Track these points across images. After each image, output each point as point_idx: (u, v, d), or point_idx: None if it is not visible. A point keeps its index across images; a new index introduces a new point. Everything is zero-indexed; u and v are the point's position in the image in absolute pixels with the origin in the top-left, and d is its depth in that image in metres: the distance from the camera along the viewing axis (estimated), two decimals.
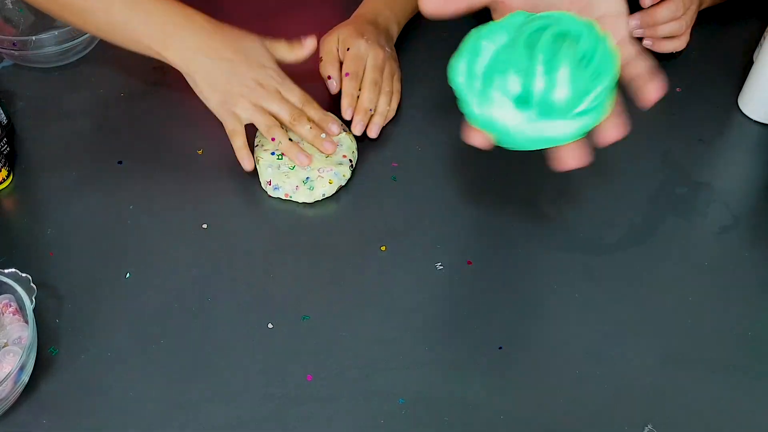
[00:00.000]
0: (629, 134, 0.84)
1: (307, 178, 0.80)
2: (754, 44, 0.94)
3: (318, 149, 0.82)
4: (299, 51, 0.84)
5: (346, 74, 0.86)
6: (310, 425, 0.65)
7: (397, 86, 0.88)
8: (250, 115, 0.81)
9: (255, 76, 0.80)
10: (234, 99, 0.80)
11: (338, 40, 0.88)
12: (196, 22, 0.80)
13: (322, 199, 0.81)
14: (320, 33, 0.92)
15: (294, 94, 0.82)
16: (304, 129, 0.81)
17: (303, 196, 0.80)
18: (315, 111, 0.83)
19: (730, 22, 0.99)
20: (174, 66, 0.80)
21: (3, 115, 0.85)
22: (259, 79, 0.80)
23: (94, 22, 0.80)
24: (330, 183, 0.80)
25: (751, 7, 1.01)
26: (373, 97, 0.85)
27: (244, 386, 0.68)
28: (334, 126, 0.83)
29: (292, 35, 0.84)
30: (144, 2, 0.79)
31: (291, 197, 0.80)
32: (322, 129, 0.82)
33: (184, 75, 0.80)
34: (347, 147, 0.83)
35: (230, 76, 0.80)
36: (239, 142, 0.81)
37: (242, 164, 0.81)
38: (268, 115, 0.81)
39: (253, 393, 0.67)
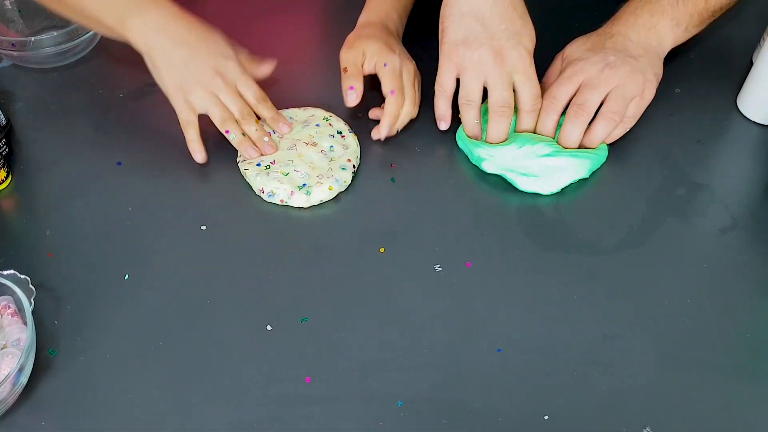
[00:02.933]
0: (628, 135, 0.84)
1: (304, 184, 0.80)
2: (754, 45, 0.94)
3: (260, 149, 0.83)
4: (256, 67, 0.85)
5: (392, 92, 0.83)
6: (309, 426, 0.65)
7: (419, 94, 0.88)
8: (205, 105, 0.81)
9: (215, 65, 0.80)
10: (190, 86, 0.80)
11: (364, 53, 0.85)
12: (161, 4, 0.80)
13: (321, 203, 0.81)
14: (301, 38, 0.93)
15: (250, 90, 0.82)
16: (251, 128, 0.82)
17: (299, 201, 0.80)
18: (268, 110, 0.84)
19: (729, 23, 0.98)
20: (134, 46, 0.80)
21: (2, 116, 0.85)
22: (219, 69, 0.80)
23: (67, 3, 0.81)
24: (330, 189, 0.80)
25: (750, 8, 1.01)
26: (413, 113, 0.85)
27: (243, 387, 0.68)
28: (284, 126, 0.84)
29: (280, 37, 0.84)
30: None
31: (286, 203, 0.80)
32: (274, 127, 0.84)
33: (143, 55, 0.80)
34: (353, 151, 0.84)
35: (189, 61, 0.79)
36: (192, 134, 0.82)
37: (194, 157, 0.82)
38: (223, 107, 0.81)
39: (252, 394, 0.67)
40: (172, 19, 0.80)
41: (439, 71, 0.81)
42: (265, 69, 0.85)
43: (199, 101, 0.80)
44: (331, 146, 0.84)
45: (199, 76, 0.79)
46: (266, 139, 0.83)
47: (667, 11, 0.83)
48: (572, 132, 0.81)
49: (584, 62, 0.81)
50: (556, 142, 0.82)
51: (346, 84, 0.84)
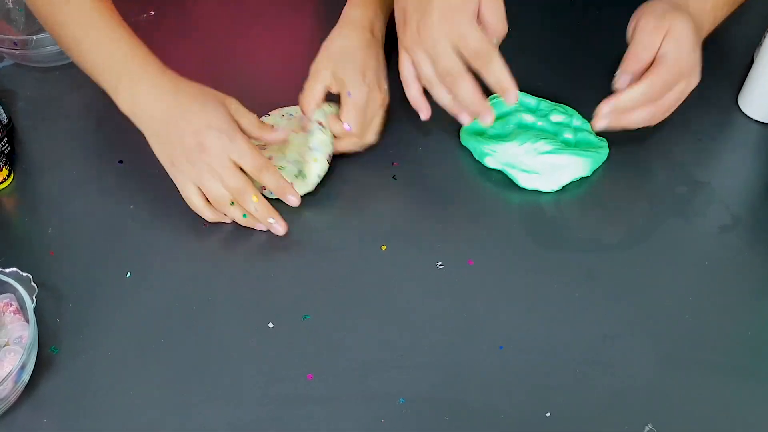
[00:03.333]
0: (629, 133, 0.84)
1: (299, 171, 0.80)
2: (755, 43, 0.94)
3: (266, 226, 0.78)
4: (267, 132, 0.79)
5: (347, 127, 0.82)
6: (311, 425, 0.65)
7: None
8: (199, 183, 0.76)
9: (200, 140, 0.74)
10: (180, 164, 0.76)
11: (334, 76, 0.82)
12: (151, 73, 0.77)
13: (323, 201, 0.81)
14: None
15: (246, 158, 0.75)
16: (249, 207, 0.77)
17: (301, 189, 0.80)
18: (271, 178, 0.77)
19: (730, 21, 0.98)
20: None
21: (3, 115, 0.85)
22: (206, 144, 0.74)
23: (71, 52, 0.81)
24: (315, 161, 0.80)
25: (751, 7, 1.00)
26: (370, 141, 0.85)
27: (244, 386, 0.68)
28: (292, 197, 0.78)
29: (275, 37, 0.83)
30: (106, 43, 0.77)
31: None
32: (281, 198, 0.78)
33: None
34: (321, 142, 0.81)
35: (174, 137, 0.75)
36: (197, 204, 0.77)
37: (206, 219, 0.78)
38: (218, 185, 0.76)
39: (253, 392, 0.67)
40: (159, 91, 0.76)
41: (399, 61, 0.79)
42: (278, 135, 0.80)
43: (192, 179, 0.76)
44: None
45: (186, 154, 0.75)
46: (271, 220, 0.77)
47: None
48: (637, 109, 0.77)
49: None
50: (555, 150, 0.81)
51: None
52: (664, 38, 0.76)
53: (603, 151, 0.83)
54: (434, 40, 0.73)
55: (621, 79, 0.77)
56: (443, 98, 0.77)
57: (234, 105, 0.77)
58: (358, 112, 0.81)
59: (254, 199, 0.76)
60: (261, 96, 0.89)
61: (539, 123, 0.85)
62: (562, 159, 0.80)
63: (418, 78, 0.77)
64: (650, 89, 0.76)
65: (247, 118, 0.77)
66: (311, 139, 0.81)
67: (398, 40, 0.78)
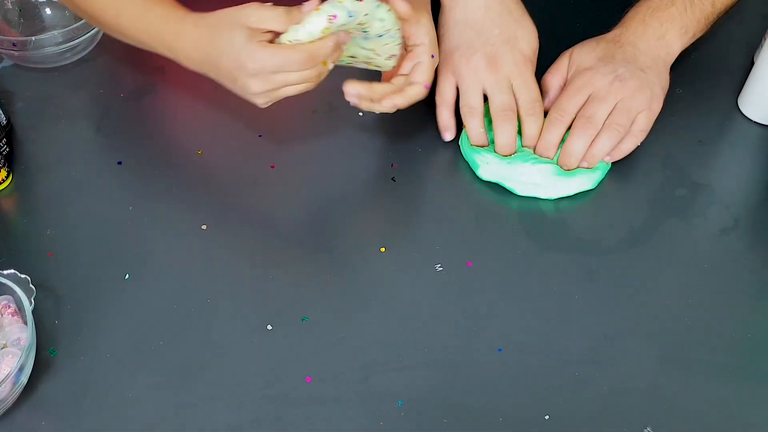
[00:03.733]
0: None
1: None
2: (755, 45, 0.94)
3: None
4: (294, 15, 0.70)
5: (426, 86, 0.78)
6: (309, 426, 0.65)
7: None
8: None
9: (260, 89, 0.71)
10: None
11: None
12: (186, 33, 0.73)
13: (322, 202, 0.81)
14: None
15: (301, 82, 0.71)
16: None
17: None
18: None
19: (730, 23, 0.98)
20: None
21: (3, 116, 0.85)
22: (265, 90, 0.71)
23: (107, 27, 0.79)
24: (317, 10, 0.69)
25: (751, 8, 1.00)
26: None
27: (243, 387, 0.68)
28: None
29: None
30: (151, 20, 0.75)
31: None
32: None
33: None
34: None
35: (239, 92, 0.73)
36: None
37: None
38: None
39: (252, 394, 0.67)
40: (192, 50, 0.73)
41: (438, 81, 0.81)
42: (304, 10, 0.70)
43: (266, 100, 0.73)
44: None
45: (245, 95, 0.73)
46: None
47: (676, 19, 0.82)
48: (578, 145, 0.79)
49: (593, 72, 0.80)
50: (556, 162, 0.81)
51: None
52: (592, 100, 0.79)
53: (603, 166, 0.82)
54: (502, 76, 0.80)
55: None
56: (475, 128, 0.82)
57: (253, 18, 0.70)
58: (432, 72, 0.77)
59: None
60: None
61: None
62: (565, 180, 0.80)
63: (452, 102, 0.82)
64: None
65: (269, 18, 0.70)
66: (376, 25, 0.72)
67: (447, 64, 0.80)
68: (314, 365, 0.69)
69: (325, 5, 0.69)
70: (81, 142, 0.87)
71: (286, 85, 0.71)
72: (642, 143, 0.84)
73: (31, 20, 0.96)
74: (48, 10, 0.97)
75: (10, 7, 0.95)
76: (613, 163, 0.83)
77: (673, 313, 0.73)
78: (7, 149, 0.84)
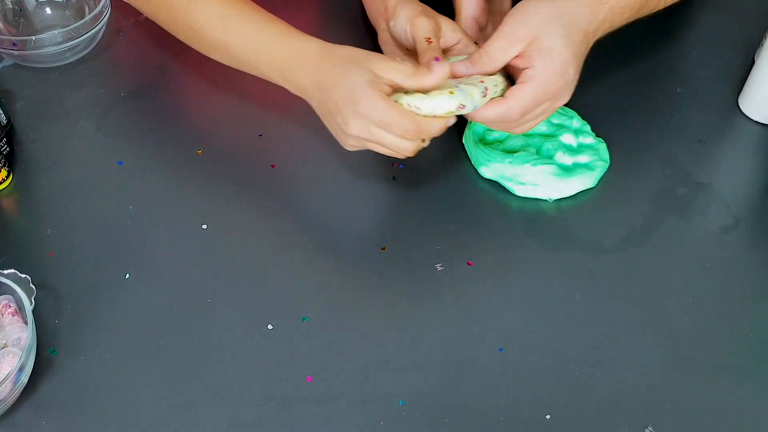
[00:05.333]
0: (630, 135, 0.84)
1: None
2: (755, 44, 0.94)
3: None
4: (424, 77, 0.69)
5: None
6: (310, 426, 0.65)
7: None
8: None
9: (356, 133, 0.70)
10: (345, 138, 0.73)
11: (438, 26, 0.78)
12: (309, 57, 0.72)
13: (322, 202, 0.80)
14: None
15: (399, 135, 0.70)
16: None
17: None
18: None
19: (730, 22, 0.98)
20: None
21: (3, 115, 0.85)
22: (360, 136, 0.71)
23: (209, 44, 0.78)
24: (451, 94, 0.69)
25: (751, 7, 1.00)
26: None
27: (244, 387, 0.68)
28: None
29: None
30: (263, 34, 0.74)
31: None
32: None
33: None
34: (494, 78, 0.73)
35: (334, 127, 0.73)
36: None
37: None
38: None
39: (252, 394, 0.67)
40: (314, 76, 0.72)
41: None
42: (439, 73, 0.69)
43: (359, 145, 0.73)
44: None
45: (347, 138, 0.73)
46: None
47: None
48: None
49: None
50: (557, 163, 0.81)
51: (429, 55, 0.73)
52: (529, 52, 0.71)
53: (603, 163, 0.82)
54: None
55: (458, 65, 0.72)
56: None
57: (380, 64, 0.69)
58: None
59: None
60: (264, 93, 0.89)
61: (541, 127, 0.84)
62: (564, 180, 0.80)
63: None
64: (509, 112, 0.72)
65: (396, 73, 0.69)
66: (468, 85, 0.71)
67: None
68: (315, 365, 0.69)
69: (457, 93, 0.69)
70: (81, 142, 0.87)
71: (380, 143, 0.70)
72: (643, 142, 0.84)
73: (31, 20, 0.96)
74: (48, 10, 0.97)
75: (10, 6, 0.95)
76: (613, 162, 0.83)
77: (674, 313, 0.73)
78: (7, 149, 0.84)
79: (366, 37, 0.93)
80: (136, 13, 0.98)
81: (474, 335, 0.71)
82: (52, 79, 0.93)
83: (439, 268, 0.75)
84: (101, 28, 0.94)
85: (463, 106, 0.69)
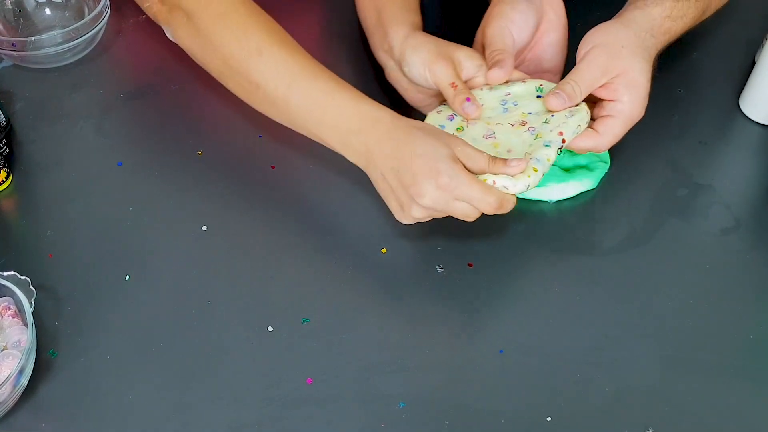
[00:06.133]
0: (630, 136, 0.84)
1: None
2: (756, 45, 0.94)
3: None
4: (504, 168, 0.69)
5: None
6: (310, 428, 0.65)
7: None
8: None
9: (431, 205, 0.68)
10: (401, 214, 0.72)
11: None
12: (383, 123, 0.70)
13: (322, 203, 0.80)
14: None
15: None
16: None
17: (516, 188, 0.69)
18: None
19: (731, 23, 0.98)
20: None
21: (2, 116, 0.85)
22: (434, 208, 0.69)
23: (269, 102, 0.75)
24: (535, 171, 0.69)
25: (752, 8, 1.00)
26: None
27: (244, 389, 0.67)
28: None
29: None
30: (334, 96, 0.72)
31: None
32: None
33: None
34: (575, 121, 0.72)
35: (402, 198, 0.70)
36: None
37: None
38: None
39: (252, 396, 0.67)
40: (382, 147, 0.70)
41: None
42: (511, 169, 0.69)
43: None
44: (547, 120, 0.73)
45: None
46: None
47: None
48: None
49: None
50: (557, 163, 0.79)
51: (459, 99, 0.74)
52: (617, 85, 0.73)
53: (605, 165, 0.82)
54: None
55: (552, 100, 0.73)
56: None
57: (458, 149, 0.69)
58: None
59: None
60: None
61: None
62: (564, 182, 0.80)
63: None
64: (600, 146, 0.74)
65: (475, 161, 0.69)
66: (541, 151, 0.70)
67: None
68: (315, 366, 0.69)
69: (538, 166, 0.69)
70: (81, 142, 0.86)
71: (451, 214, 0.70)
72: (644, 143, 0.84)
73: (30, 20, 0.96)
74: (48, 10, 0.97)
75: (10, 7, 0.95)
76: (613, 163, 0.83)
77: (674, 314, 0.73)
78: (7, 150, 0.83)
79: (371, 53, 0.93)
80: (136, 13, 0.99)
81: (474, 337, 0.71)
82: (51, 79, 0.93)
83: (440, 270, 0.75)
84: (101, 28, 0.93)
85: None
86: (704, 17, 0.82)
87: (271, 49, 0.73)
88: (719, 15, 0.97)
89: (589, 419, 0.66)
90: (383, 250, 0.77)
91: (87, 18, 0.91)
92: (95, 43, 0.95)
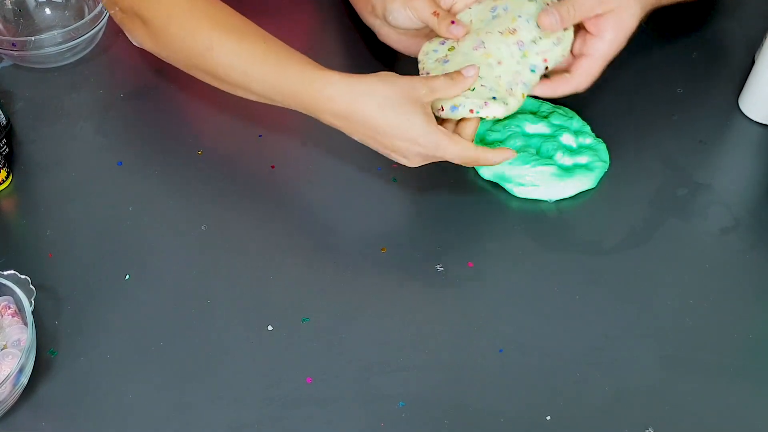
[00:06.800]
0: (630, 135, 0.84)
1: (494, 97, 0.72)
2: (756, 44, 0.94)
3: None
4: (462, 82, 0.72)
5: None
6: (310, 428, 0.65)
7: None
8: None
9: (418, 164, 0.74)
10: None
11: None
12: (340, 100, 0.71)
13: (322, 202, 0.80)
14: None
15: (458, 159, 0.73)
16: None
17: (495, 111, 0.72)
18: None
19: (731, 22, 0.98)
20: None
21: (2, 116, 0.85)
22: (423, 163, 0.74)
23: (232, 86, 0.77)
24: (523, 97, 0.73)
25: (752, 7, 1.00)
26: None
27: (244, 388, 0.67)
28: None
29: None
30: (285, 75, 0.73)
31: (477, 113, 0.72)
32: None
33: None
34: (562, 48, 0.75)
35: (393, 156, 0.74)
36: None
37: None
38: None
39: (252, 395, 0.67)
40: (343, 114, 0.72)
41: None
42: (470, 77, 0.72)
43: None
44: (535, 40, 0.75)
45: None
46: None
47: None
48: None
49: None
50: (556, 163, 0.81)
51: (444, 23, 0.77)
52: (606, 19, 0.74)
53: (603, 163, 0.82)
54: None
55: (545, 18, 0.74)
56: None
57: (423, 84, 0.71)
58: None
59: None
60: None
61: (541, 127, 0.84)
62: (564, 181, 0.80)
63: None
64: (580, 87, 0.76)
65: (439, 88, 0.72)
66: (526, 74, 0.73)
67: None
68: (315, 366, 0.69)
69: (526, 93, 0.74)
70: (81, 142, 0.86)
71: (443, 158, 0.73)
72: (643, 143, 0.84)
73: (31, 20, 0.96)
74: (48, 10, 0.97)
75: (10, 7, 0.95)
76: (613, 163, 0.83)
77: (674, 314, 0.73)
78: (7, 149, 0.83)
79: (359, 38, 0.93)
80: None
81: (474, 336, 0.71)
82: (51, 79, 0.93)
83: (439, 269, 0.75)
84: (101, 28, 0.93)
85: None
86: None
87: (220, 42, 0.74)
88: (719, 15, 0.97)
89: (588, 419, 0.66)
90: (383, 250, 0.77)
91: (87, 18, 0.91)
92: (95, 43, 0.95)
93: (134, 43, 0.82)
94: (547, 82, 0.77)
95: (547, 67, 0.74)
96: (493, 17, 0.77)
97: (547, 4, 0.76)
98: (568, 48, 0.76)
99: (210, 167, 0.84)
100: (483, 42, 0.75)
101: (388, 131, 0.71)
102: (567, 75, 0.76)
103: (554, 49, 0.75)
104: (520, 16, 0.75)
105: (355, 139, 0.74)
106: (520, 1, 0.77)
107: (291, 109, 0.75)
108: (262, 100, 0.77)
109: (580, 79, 0.76)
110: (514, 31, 0.75)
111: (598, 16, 0.74)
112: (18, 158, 0.85)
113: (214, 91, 0.88)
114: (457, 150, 0.72)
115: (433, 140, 0.71)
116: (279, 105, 0.76)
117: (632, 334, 0.71)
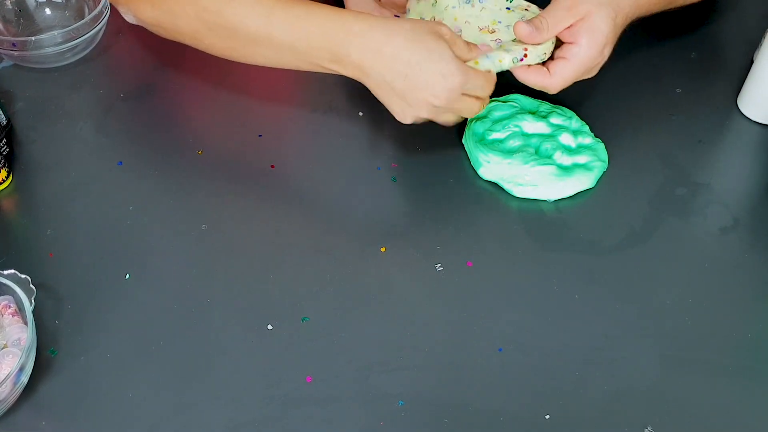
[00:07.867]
0: (629, 135, 0.84)
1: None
2: (754, 45, 0.94)
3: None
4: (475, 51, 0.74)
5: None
6: (310, 426, 0.65)
7: None
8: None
9: (444, 104, 0.72)
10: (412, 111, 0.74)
11: None
12: (373, 34, 0.71)
13: (322, 202, 0.81)
14: None
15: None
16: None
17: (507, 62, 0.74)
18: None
19: (729, 23, 0.98)
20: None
21: (3, 116, 0.85)
22: (446, 106, 0.73)
23: (249, 40, 0.74)
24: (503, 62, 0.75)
25: (750, 8, 1.01)
26: None
27: (244, 388, 0.68)
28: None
29: None
30: (313, 14, 0.72)
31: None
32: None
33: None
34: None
35: (403, 104, 0.73)
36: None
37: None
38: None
39: (252, 394, 0.67)
40: (383, 44, 0.71)
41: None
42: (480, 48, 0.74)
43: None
44: (515, 39, 0.77)
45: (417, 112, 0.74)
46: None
47: None
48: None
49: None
50: (556, 163, 0.81)
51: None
52: (578, 27, 0.75)
53: (602, 163, 0.82)
54: None
55: (521, 28, 0.74)
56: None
57: (448, 34, 0.72)
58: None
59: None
60: (263, 93, 0.89)
61: (540, 127, 0.84)
62: (563, 181, 0.81)
63: None
64: (551, 86, 0.76)
65: (461, 49, 0.73)
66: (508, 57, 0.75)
67: None
68: (315, 365, 0.69)
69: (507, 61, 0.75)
70: (81, 141, 0.87)
71: (452, 112, 0.74)
72: (642, 142, 0.84)
73: (31, 20, 0.96)
74: (48, 10, 0.97)
75: (10, 7, 0.95)
76: (612, 162, 0.83)
77: (673, 313, 0.73)
78: (7, 149, 0.84)
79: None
80: None
81: (473, 335, 0.71)
82: (52, 79, 0.93)
83: (439, 269, 0.75)
84: (101, 28, 0.94)
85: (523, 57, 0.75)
86: (673, 5, 0.83)
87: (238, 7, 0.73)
88: (718, 15, 0.98)
89: (587, 417, 0.66)
90: (383, 249, 0.77)
91: (87, 18, 0.91)
92: (95, 43, 0.95)
93: (128, 20, 0.79)
94: (524, 67, 0.77)
95: (525, 55, 0.75)
96: (467, 1, 0.79)
97: (526, 9, 0.79)
98: (551, 47, 0.77)
99: (210, 167, 0.84)
100: (461, 30, 0.77)
101: (421, 62, 0.70)
102: (543, 68, 0.76)
103: (537, 47, 0.76)
104: (499, 22, 0.78)
105: (376, 85, 0.72)
106: (497, 4, 0.80)
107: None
108: (274, 59, 0.75)
109: (554, 79, 0.76)
110: (493, 32, 0.77)
111: (571, 26, 0.75)
112: (18, 158, 0.85)
113: (214, 92, 0.89)
114: (481, 80, 0.72)
115: (463, 69, 0.71)
116: (295, 60, 0.74)
117: (632, 333, 0.71)
